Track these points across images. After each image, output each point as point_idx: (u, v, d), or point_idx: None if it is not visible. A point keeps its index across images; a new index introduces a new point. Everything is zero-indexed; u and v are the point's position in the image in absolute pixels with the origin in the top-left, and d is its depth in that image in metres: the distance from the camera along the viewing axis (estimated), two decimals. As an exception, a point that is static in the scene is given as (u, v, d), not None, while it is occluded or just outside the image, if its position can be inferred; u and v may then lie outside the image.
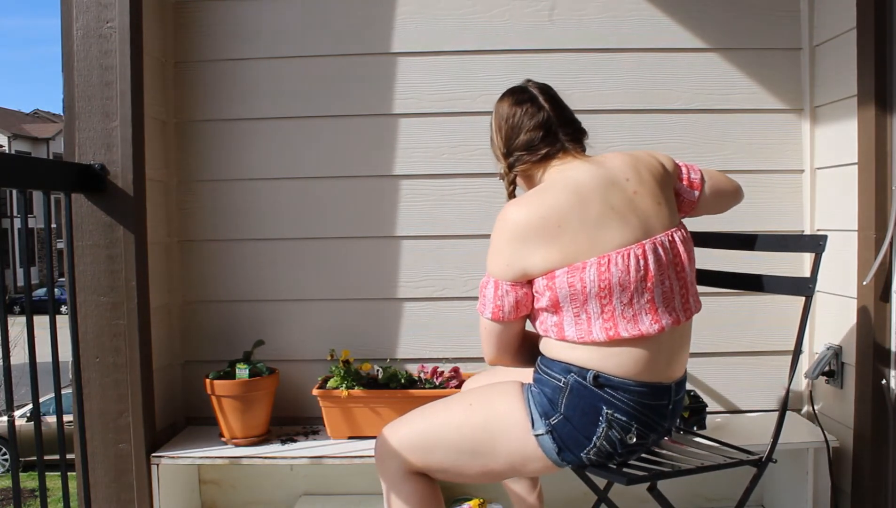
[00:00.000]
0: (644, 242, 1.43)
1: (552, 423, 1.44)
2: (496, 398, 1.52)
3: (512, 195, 1.59)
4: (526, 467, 1.50)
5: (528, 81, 1.63)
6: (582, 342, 1.43)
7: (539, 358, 1.53)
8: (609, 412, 1.42)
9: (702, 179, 1.64)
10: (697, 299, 1.54)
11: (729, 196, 1.72)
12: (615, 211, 1.43)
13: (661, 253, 1.44)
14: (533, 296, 1.47)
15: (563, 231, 1.41)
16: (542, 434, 1.44)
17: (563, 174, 1.49)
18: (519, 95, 1.59)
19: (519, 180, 1.61)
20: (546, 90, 1.60)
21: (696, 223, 1.69)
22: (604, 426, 1.42)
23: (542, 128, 1.54)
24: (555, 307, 1.43)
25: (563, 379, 1.44)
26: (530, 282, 1.45)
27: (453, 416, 1.53)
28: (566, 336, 1.44)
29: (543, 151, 1.53)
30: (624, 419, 1.42)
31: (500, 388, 1.54)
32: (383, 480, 1.57)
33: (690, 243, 1.53)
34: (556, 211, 1.42)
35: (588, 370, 1.42)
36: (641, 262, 1.41)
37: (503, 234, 1.45)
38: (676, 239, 1.48)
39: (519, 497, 1.84)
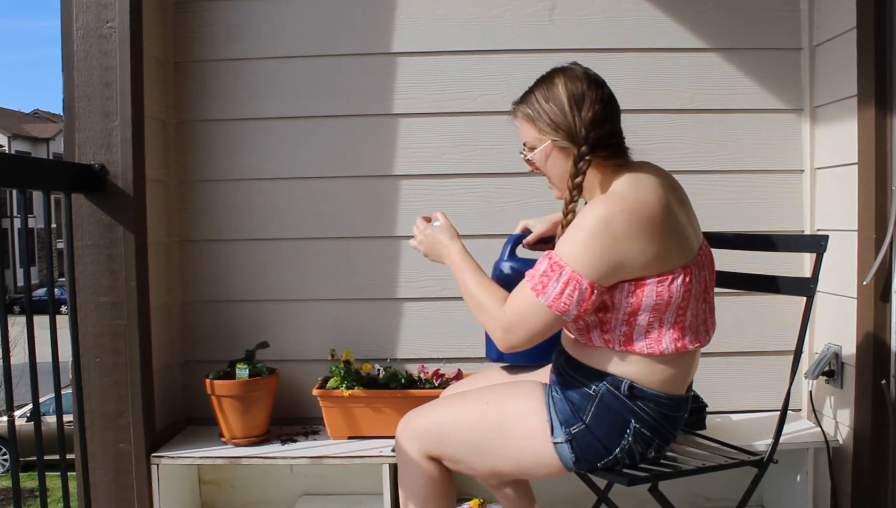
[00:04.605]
0: (702, 252, 1.42)
1: (573, 432, 1.40)
2: (515, 399, 1.48)
3: (578, 187, 1.40)
4: (536, 471, 1.47)
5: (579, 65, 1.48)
6: (650, 354, 1.37)
7: (565, 359, 1.49)
8: (637, 426, 1.39)
9: None
10: None
11: None
12: (686, 219, 1.40)
13: (708, 263, 1.44)
14: None
15: (665, 235, 1.32)
16: (562, 443, 1.41)
17: (646, 177, 1.38)
18: (597, 79, 1.44)
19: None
20: None
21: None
22: (629, 439, 1.40)
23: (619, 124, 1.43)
24: (632, 316, 1.35)
25: (593, 387, 1.40)
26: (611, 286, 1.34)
27: (469, 412, 1.50)
28: (635, 348, 1.37)
29: (624, 149, 1.43)
30: (649, 433, 1.41)
31: (520, 389, 1.50)
32: (398, 461, 1.56)
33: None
34: (659, 213, 1.32)
35: (623, 379, 1.38)
36: (705, 273, 1.40)
37: (615, 226, 1.28)
38: (709, 250, 1.48)
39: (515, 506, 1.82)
